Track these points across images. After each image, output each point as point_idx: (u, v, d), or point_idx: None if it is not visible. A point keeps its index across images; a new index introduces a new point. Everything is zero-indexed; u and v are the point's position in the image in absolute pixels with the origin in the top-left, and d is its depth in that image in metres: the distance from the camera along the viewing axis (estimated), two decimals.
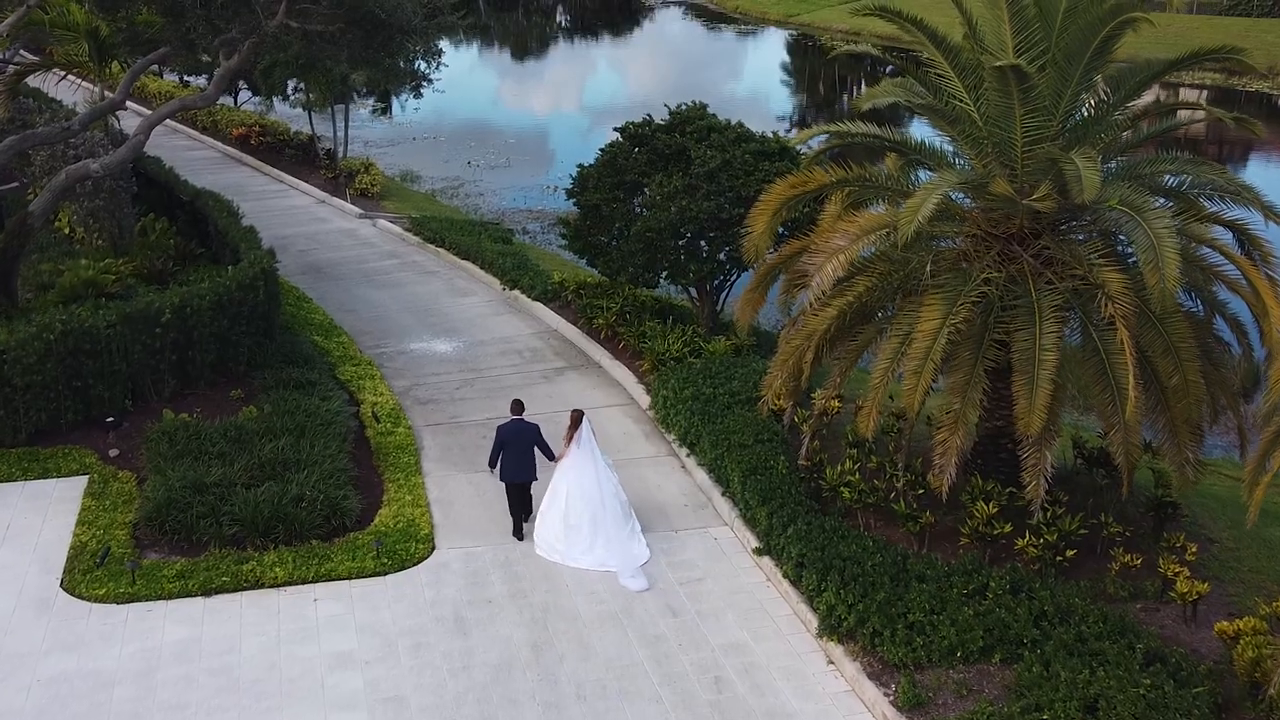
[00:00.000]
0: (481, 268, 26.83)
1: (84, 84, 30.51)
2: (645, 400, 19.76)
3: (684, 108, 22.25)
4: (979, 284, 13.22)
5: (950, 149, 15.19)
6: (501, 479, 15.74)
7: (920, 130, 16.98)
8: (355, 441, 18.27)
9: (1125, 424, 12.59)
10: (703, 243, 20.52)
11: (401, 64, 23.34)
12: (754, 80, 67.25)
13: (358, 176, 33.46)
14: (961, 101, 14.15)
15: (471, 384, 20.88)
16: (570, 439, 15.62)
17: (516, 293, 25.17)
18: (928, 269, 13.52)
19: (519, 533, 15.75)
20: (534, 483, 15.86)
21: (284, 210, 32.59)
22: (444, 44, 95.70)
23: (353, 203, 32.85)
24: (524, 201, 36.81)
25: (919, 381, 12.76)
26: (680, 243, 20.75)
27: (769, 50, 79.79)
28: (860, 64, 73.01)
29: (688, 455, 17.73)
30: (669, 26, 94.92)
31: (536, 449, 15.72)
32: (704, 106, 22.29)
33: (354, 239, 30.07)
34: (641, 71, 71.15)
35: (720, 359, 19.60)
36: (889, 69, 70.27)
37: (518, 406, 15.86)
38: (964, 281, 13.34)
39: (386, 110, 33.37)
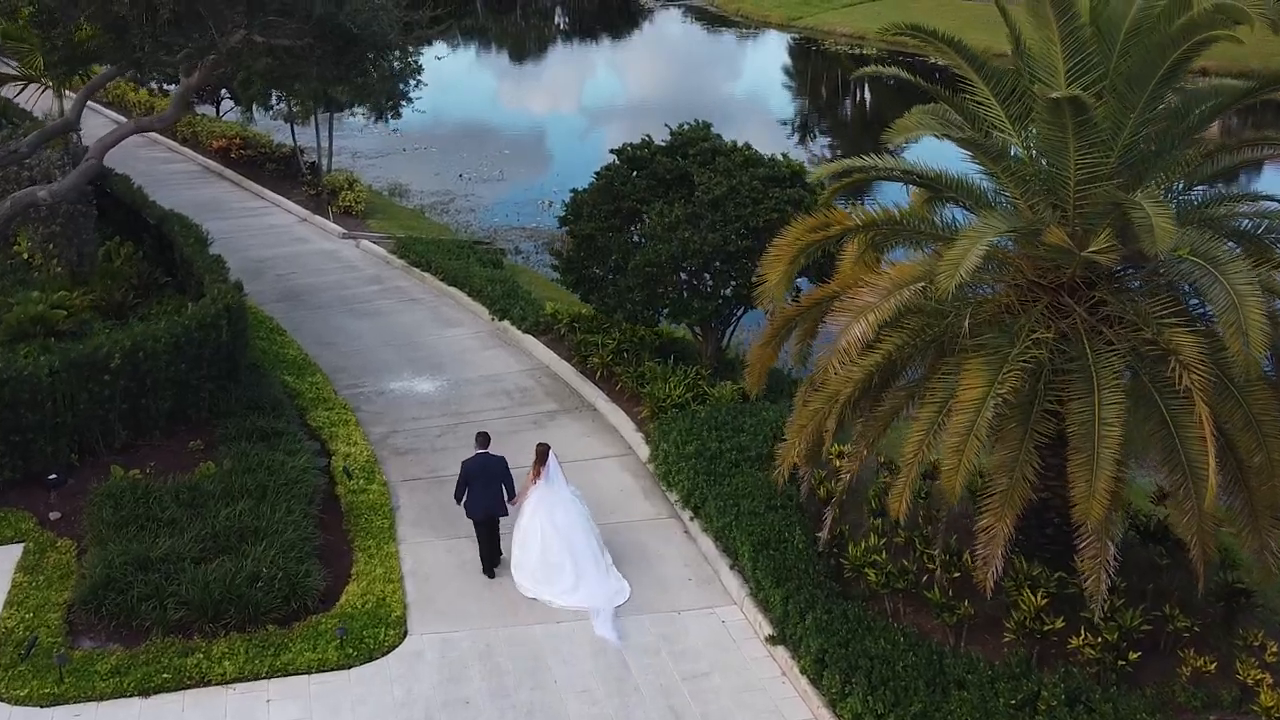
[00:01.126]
0: (469, 295, 25.07)
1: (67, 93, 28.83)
2: (645, 451, 18.02)
3: (686, 128, 20.53)
4: (1027, 345, 11.47)
5: (987, 183, 13.47)
6: (468, 515, 14.97)
7: (941, 154, 15.29)
8: (324, 501, 16.56)
9: (1201, 512, 10.85)
10: (707, 276, 18.79)
11: (377, 82, 21.38)
12: (755, 85, 65.54)
13: (341, 194, 31.70)
14: (1004, 133, 12.41)
15: (454, 430, 19.12)
16: (536, 475, 14.81)
17: (506, 324, 23.42)
18: (965, 323, 11.76)
19: (489, 571, 14.94)
20: (503, 518, 15.08)
21: (263, 230, 30.83)
22: (442, 45, 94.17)
23: (335, 221, 31.09)
24: (517, 218, 35.05)
25: (960, 461, 11.02)
26: (682, 277, 19.02)
27: (770, 54, 78.04)
28: (862, 66, 71.45)
29: (691, 519, 15.98)
30: (669, 30, 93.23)
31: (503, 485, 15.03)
32: (707, 126, 20.56)
33: (335, 262, 28.31)
34: (641, 75, 69.44)
35: (727, 406, 17.86)
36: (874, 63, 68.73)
37: (483, 439, 15.12)
38: (1010, 342, 11.59)
39: (381, 117, 31.56)
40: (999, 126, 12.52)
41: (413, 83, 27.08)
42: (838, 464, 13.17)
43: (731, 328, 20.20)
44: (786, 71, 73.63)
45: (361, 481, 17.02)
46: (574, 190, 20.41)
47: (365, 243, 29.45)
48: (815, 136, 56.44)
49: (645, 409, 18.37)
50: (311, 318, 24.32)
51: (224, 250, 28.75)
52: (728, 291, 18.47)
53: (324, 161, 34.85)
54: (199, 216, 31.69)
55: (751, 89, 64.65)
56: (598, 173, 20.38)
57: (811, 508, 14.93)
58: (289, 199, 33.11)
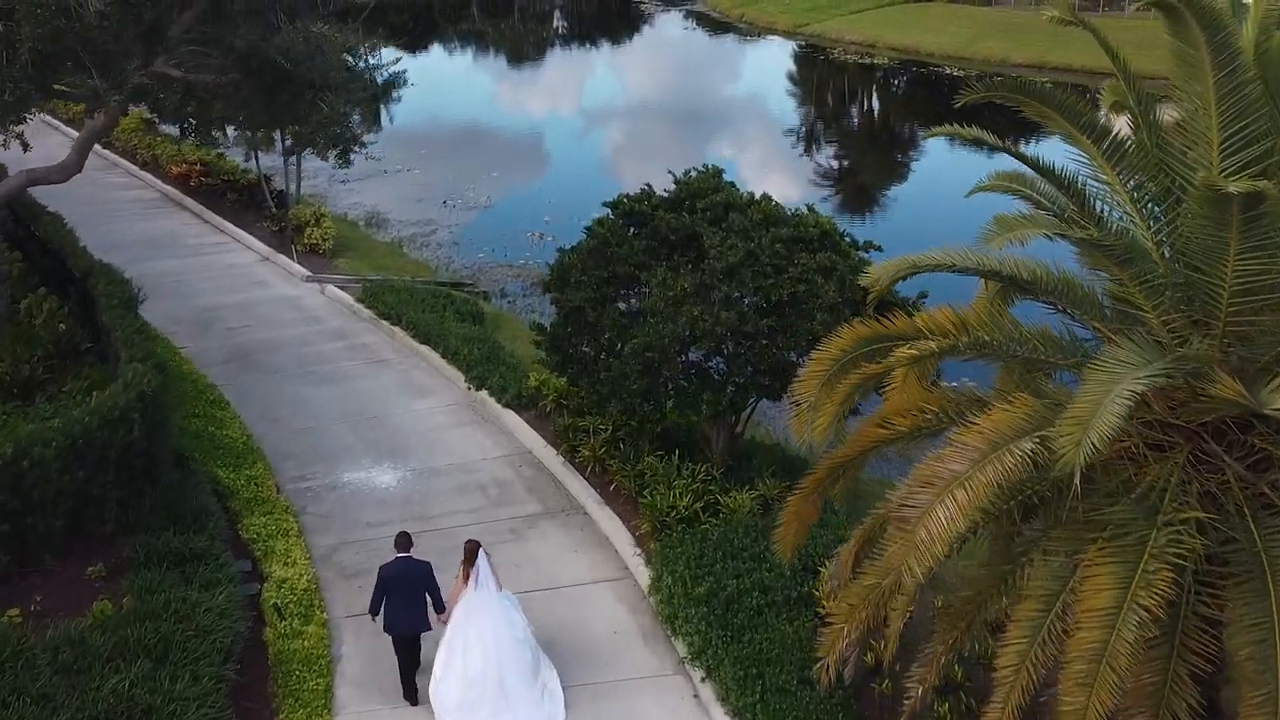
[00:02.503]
0: (443, 357, 21.87)
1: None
2: (645, 575, 14.83)
3: (693, 175, 17.33)
4: (1170, 525, 8.28)
5: (1082, 269, 10.31)
6: (386, 630, 12.95)
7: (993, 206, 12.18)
8: (249, 647, 13.40)
9: None
10: (719, 360, 15.59)
11: (320, 126, 18.01)
12: (761, 93, 62.29)
13: (306, 230, 28.50)
14: (1133, 223, 9.23)
15: (416, 540, 15.88)
16: (465, 577, 12.77)
17: (484, 395, 20.24)
18: (1076, 483, 8.54)
19: (411, 696, 12.87)
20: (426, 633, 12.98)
21: (219, 271, 27.62)
22: (438, 48, 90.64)
23: (300, 261, 27.89)
24: (505, 253, 31.83)
25: (1090, 700, 7.83)
26: (689, 356, 15.83)
27: (776, 61, 74.74)
28: (872, 75, 68.11)
29: (703, 680, 12.78)
30: (671, 35, 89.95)
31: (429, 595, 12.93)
32: (718, 173, 17.36)
33: (296, 311, 25.09)
34: (643, 85, 66.22)
35: (744, 522, 14.67)
36: (891, 75, 65.70)
37: (404, 541, 13.10)
38: (1147, 519, 8.40)
39: (345, 162, 28.28)
40: (1122, 209, 9.33)
41: (367, 125, 23.72)
42: (914, 682, 9.89)
43: (749, 411, 16.98)
44: (792, 79, 70.38)
45: (297, 622, 13.86)
46: (560, 250, 17.23)
47: (331, 288, 26.25)
48: (821, 146, 53.27)
49: (644, 522, 15.18)
50: (262, 384, 21.12)
51: (172, 296, 25.83)
52: (743, 379, 15.24)
53: (292, 188, 31.67)
54: (150, 255, 28.80)
55: (757, 97, 61.40)
56: (588, 229, 17.19)
57: (859, 680, 11.74)
58: (251, 234, 29.91)
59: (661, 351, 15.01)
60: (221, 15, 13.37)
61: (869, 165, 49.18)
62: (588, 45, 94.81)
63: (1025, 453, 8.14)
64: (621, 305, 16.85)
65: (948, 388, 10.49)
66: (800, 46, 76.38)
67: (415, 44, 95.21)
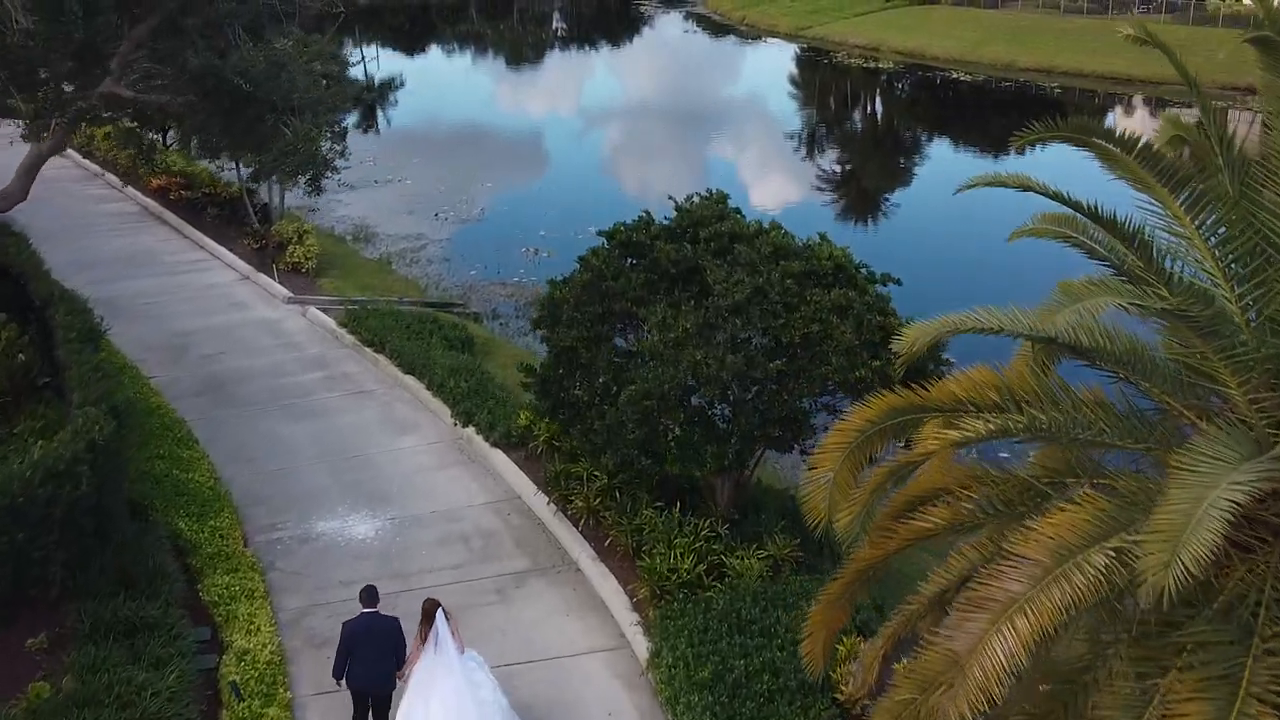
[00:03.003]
0: (429, 389, 20.53)
1: None
2: (643, 644, 13.48)
3: (696, 201, 15.99)
4: (1273, 654, 6.93)
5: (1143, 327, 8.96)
6: (350, 687, 11.87)
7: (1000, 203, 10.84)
8: None
9: None
10: (724, 406, 14.24)
11: (284, 152, 16.55)
12: (763, 97, 60.95)
13: (289, 248, 27.15)
14: (1215, 285, 7.89)
15: (394, 602, 14.50)
16: (423, 638, 11.63)
17: (470, 432, 18.90)
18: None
19: None
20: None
21: (196, 292, 26.28)
22: (435, 50, 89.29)
23: (281, 281, 26.54)
24: (497, 270, 30.50)
25: None
26: (692, 401, 14.48)
27: (778, 64, 73.36)
28: (877, 79, 66.73)
29: None
30: (672, 38, 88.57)
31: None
32: (723, 199, 16.02)
33: (275, 336, 23.74)
34: (641, 88, 64.89)
35: (752, 588, 13.33)
36: (896, 79, 64.02)
37: (370, 596, 12.01)
38: (1238, 644, 7.05)
39: (316, 189, 26.78)
40: (1207, 272, 7.97)
41: (337, 148, 22.06)
42: None
43: (756, 459, 15.62)
44: (796, 83, 69.00)
45: (257, 703, 12.50)
46: (551, 283, 15.88)
47: (313, 311, 24.90)
48: (825, 151, 51.94)
49: (643, 587, 13.83)
50: (234, 420, 19.77)
51: (145, 319, 24.51)
52: (751, 429, 13.88)
53: (275, 202, 30.35)
54: (125, 273, 27.49)
55: (761, 101, 60.08)
56: (582, 260, 15.84)
57: None
58: (232, 251, 28.57)
59: (661, 399, 13.66)
60: (176, 30, 12.04)
61: (875, 172, 47.83)
62: (587, 47, 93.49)
63: (1098, 569, 6.79)
64: (619, 341, 15.55)
65: (987, 466, 9.12)
66: (803, 50, 75.06)
67: (413, 45, 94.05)
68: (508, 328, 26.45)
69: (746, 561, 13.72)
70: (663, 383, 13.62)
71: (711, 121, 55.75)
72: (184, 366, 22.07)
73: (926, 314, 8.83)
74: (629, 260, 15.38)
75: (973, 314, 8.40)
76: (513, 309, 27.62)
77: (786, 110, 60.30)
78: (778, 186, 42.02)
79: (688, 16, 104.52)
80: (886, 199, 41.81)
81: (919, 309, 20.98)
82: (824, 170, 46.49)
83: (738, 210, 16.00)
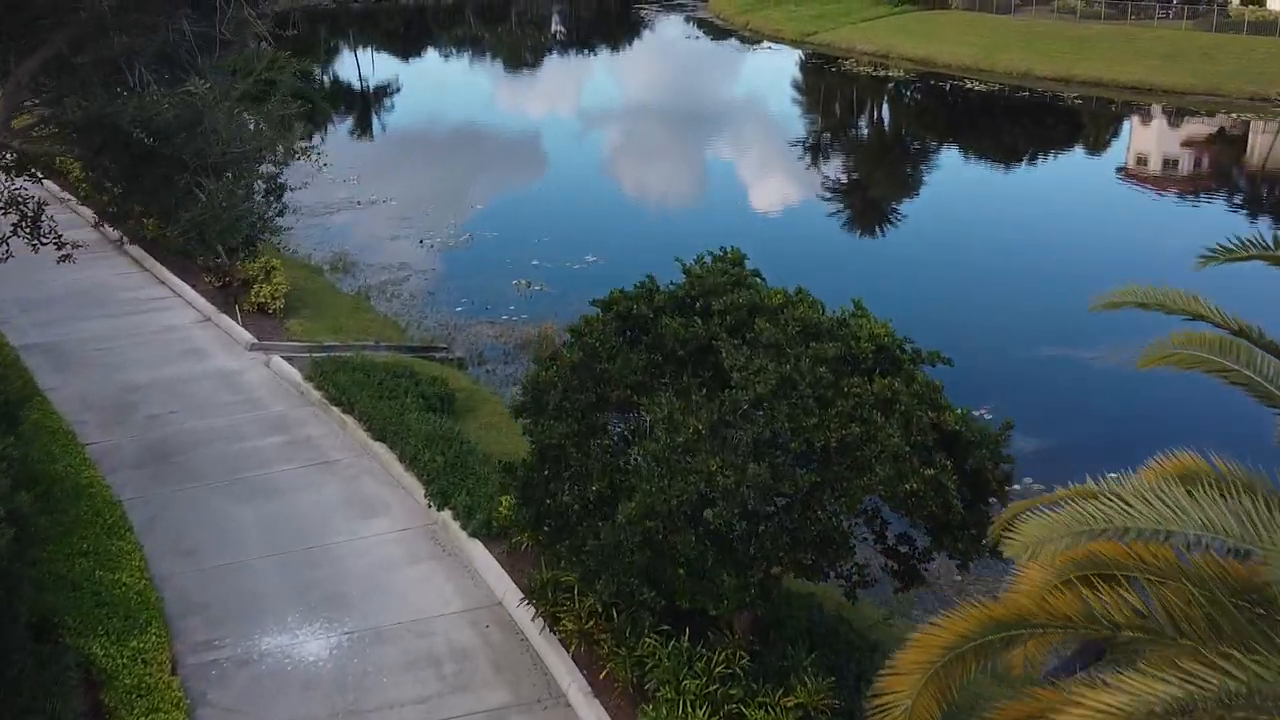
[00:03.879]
0: (401, 461, 18.07)
1: None
2: None
3: (708, 263, 13.53)
4: None
5: None
6: None
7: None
8: None
9: None
10: (744, 523, 11.75)
11: (204, 214, 13.99)
12: (770, 109, 58.47)
13: (254, 288, 24.68)
14: None
15: None
16: None
17: (446, 517, 16.43)
18: None
19: None
20: None
21: (151, 336, 23.82)
22: (428, 56, 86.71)
23: (245, 323, 24.08)
24: (485, 306, 28.03)
25: None
26: (707, 517, 11.98)
27: (784, 72, 70.84)
28: (887, 88, 64.19)
29: None
30: (673, 44, 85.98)
31: None
32: (739, 259, 13.55)
33: (234, 391, 21.27)
34: (643, 99, 62.37)
35: None
36: (908, 88, 61.10)
37: None
38: None
39: (252, 253, 23.95)
40: None
41: (270, 205, 19.20)
42: None
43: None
44: (801, 90, 66.48)
45: None
46: (536, 363, 13.40)
47: (278, 360, 22.42)
48: (831, 161, 49.50)
49: None
50: (178, 499, 17.30)
51: (92, 369, 22.05)
52: (777, 554, 11.38)
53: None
54: (76, 313, 25.00)
55: (767, 112, 57.52)
56: (574, 332, 13.36)
57: None
58: (195, 287, 26.09)
59: (668, 517, 11.18)
60: (67, 69, 9.64)
61: (887, 186, 45.30)
62: (586, 51, 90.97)
63: None
64: (617, 422, 13.10)
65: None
66: (808, 56, 72.54)
67: (409, 50, 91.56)
68: (494, 376, 23.96)
69: (772, 715, 11.23)
70: (669, 498, 11.14)
71: (716, 134, 53.31)
72: (128, 429, 19.61)
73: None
74: (628, 333, 12.90)
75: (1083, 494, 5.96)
76: (500, 353, 25.13)
77: (791, 118, 57.83)
78: (783, 198, 39.61)
79: (689, 19, 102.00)
80: (901, 219, 39.34)
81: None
82: (832, 184, 44.04)
83: (756, 272, 13.53)
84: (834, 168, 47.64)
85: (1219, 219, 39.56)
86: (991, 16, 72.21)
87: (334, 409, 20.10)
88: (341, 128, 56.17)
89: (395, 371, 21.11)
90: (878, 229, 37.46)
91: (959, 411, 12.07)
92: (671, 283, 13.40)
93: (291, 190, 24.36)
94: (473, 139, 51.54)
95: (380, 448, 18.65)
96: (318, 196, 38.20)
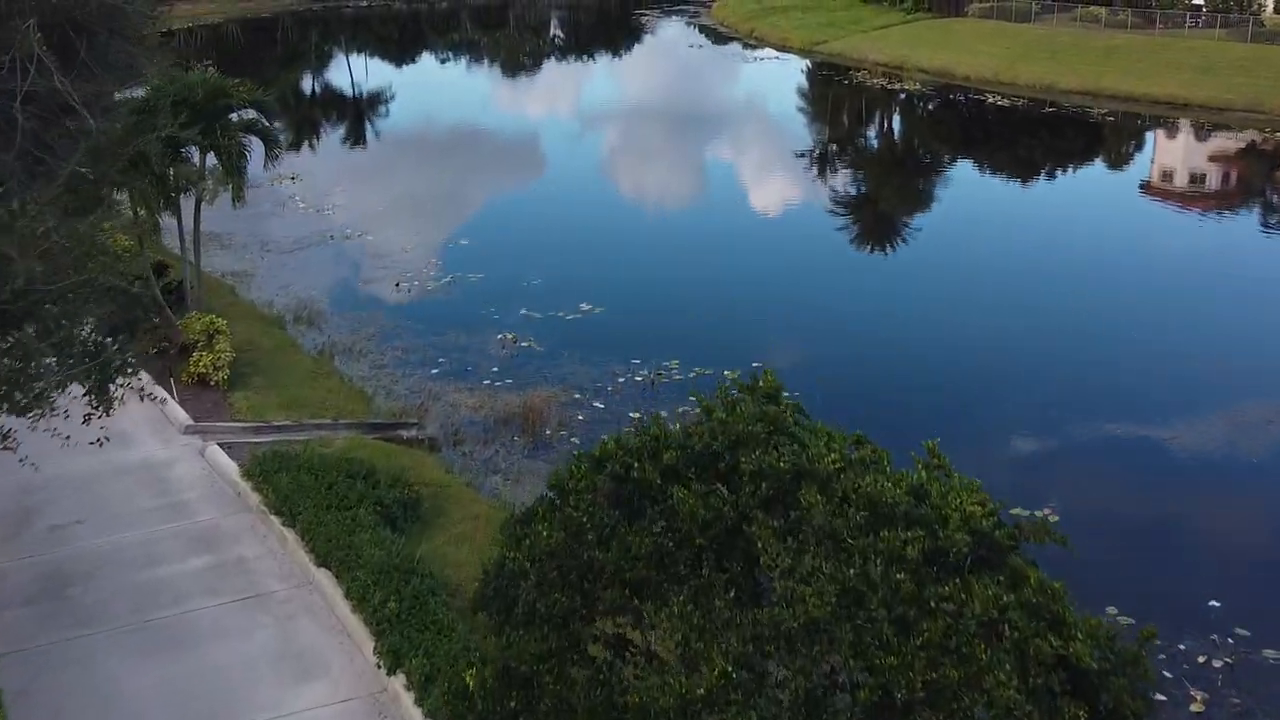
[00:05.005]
0: (347, 598, 14.66)
1: None
2: None
3: (732, 394, 10.15)
4: None
5: None
6: None
7: None
8: None
9: None
10: None
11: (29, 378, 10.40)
12: (780, 125, 54.94)
13: (195, 356, 21.29)
14: None
15: None
16: None
17: (398, 685, 13.02)
18: None
19: None
20: None
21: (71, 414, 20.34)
22: (425, 60, 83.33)
23: (183, 398, 20.71)
24: (465, 367, 24.61)
25: None
26: None
27: (792, 84, 67.36)
28: (906, 102, 60.71)
29: None
30: (675, 54, 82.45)
31: None
32: (775, 391, 10.18)
33: (158, 493, 17.87)
34: (641, 113, 58.86)
35: None
36: (926, 102, 56.97)
37: None
38: None
39: (105, 406, 20.03)
40: None
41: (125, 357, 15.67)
42: None
43: None
44: (811, 103, 63.01)
45: None
46: (501, 550, 10.04)
47: (214, 449, 19.04)
48: (848, 180, 46.14)
49: None
50: (64, 656, 13.88)
51: None
52: None
53: (190, 275, 24.51)
54: None
55: (774, 128, 53.85)
56: (554, 485, 9.96)
57: None
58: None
59: None
60: None
61: (919, 214, 41.82)
62: (586, 58, 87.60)
63: None
64: (610, 627, 9.69)
65: None
66: (818, 66, 68.99)
67: (402, 56, 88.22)
68: (471, 461, 20.54)
69: None
70: None
71: (724, 159, 49.90)
72: (21, 548, 16.23)
73: None
74: (621, 499, 9.50)
75: None
76: (480, 430, 21.70)
77: (803, 136, 54.35)
78: (799, 237, 36.25)
79: (690, 24, 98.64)
80: (932, 250, 35.86)
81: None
82: (849, 207, 40.64)
83: (798, 408, 10.12)
84: (853, 193, 44.18)
85: (1257, 241, 36.35)
86: (1011, 25, 68.75)
87: (274, 519, 16.68)
88: (327, 143, 52.85)
89: (350, 469, 17.67)
90: (912, 271, 34.04)
91: (1088, 621, 8.67)
92: (681, 421, 10.00)
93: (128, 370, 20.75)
94: (462, 157, 48.16)
95: (324, 576, 15.25)
96: (287, 230, 34.84)
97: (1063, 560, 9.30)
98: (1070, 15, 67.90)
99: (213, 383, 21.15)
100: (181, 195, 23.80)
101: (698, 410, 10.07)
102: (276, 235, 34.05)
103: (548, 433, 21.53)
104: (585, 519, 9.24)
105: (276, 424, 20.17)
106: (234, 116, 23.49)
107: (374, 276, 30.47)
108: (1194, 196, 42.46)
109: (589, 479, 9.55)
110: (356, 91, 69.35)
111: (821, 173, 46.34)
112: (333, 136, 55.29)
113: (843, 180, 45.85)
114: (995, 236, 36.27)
